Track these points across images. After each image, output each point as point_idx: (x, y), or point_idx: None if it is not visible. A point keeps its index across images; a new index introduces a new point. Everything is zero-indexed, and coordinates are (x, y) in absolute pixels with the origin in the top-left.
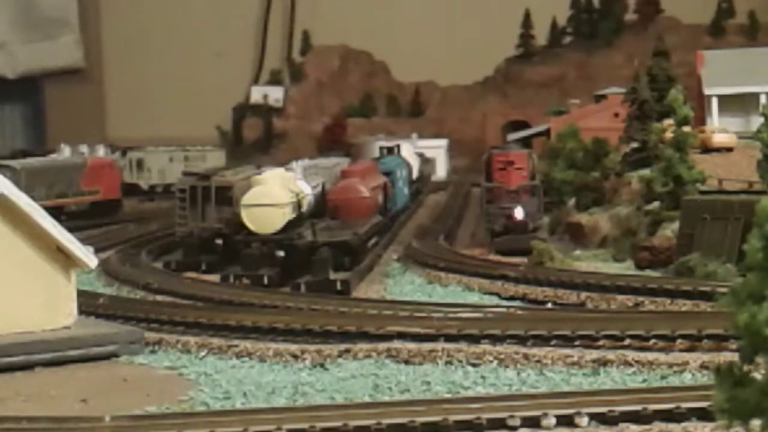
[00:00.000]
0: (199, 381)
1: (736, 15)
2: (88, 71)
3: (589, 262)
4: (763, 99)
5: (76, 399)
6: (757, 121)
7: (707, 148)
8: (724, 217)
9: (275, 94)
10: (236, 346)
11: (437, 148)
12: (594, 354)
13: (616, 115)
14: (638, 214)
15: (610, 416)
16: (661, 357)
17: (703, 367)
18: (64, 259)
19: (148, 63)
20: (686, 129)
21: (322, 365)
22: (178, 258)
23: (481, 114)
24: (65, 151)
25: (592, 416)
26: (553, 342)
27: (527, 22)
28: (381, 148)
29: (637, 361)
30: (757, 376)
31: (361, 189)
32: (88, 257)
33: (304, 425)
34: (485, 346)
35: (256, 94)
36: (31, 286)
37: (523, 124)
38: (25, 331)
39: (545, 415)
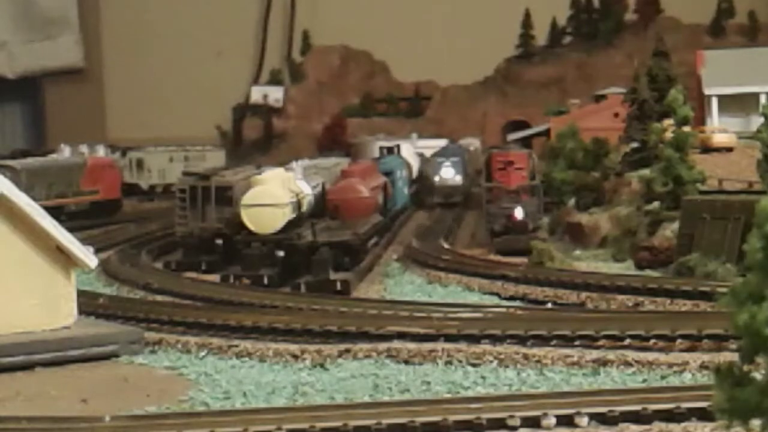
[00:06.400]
0: (199, 381)
1: (736, 15)
2: (88, 71)
3: (589, 262)
4: (763, 99)
5: (76, 399)
6: (757, 121)
7: (707, 148)
8: (724, 217)
9: (275, 94)
10: (236, 346)
11: (437, 148)
12: (594, 354)
13: (616, 115)
14: (638, 214)
15: (610, 416)
16: (661, 357)
17: (703, 367)
18: (64, 259)
19: (148, 63)
20: (686, 129)
21: (322, 365)
22: (178, 258)
23: (481, 114)
24: (65, 151)
25: (592, 416)
26: (553, 342)
27: (527, 22)
28: (381, 148)
29: (637, 361)
30: (757, 376)
31: (361, 189)
32: (88, 257)
33: (304, 425)
34: (485, 346)
35: (256, 94)
36: (31, 286)
37: (523, 124)
38: (25, 331)
39: (545, 415)
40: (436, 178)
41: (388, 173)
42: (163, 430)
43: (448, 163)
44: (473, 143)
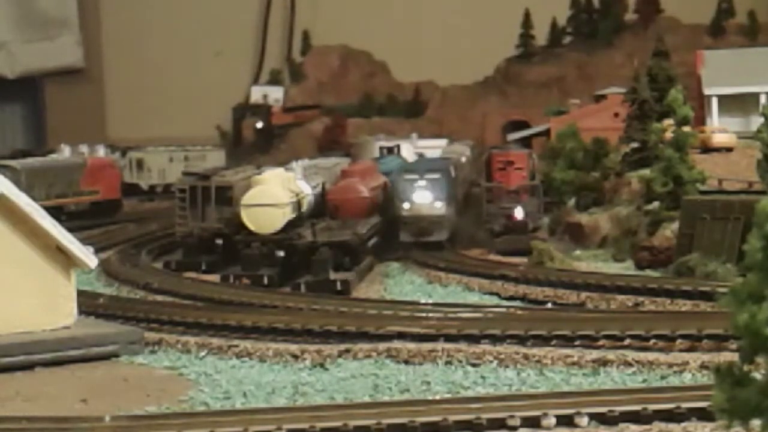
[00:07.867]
0: (199, 381)
1: (736, 15)
2: (88, 71)
3: (589, 262)
4: (763, 99)
5: (76, 399)
6: (757, 121)
7: (707, 148)
8: (724, 217)
9: (275, 94)
10: (236, 346)
11: (437, 148)
12: (594, 354)
13: (616, 115)
14: (638, 214)
15: (610, 416)
16: (661, 357)
17: (703, 367)
18: (64, 259)
19: (148, 63)
20: (686, 129)
21: (322, 365)
22: (178, 258)
23: (481, 114)
24: (65, 151)
25: (592, 416)
26: (553, 342)
27: (527, 22)
28: (381, 148)
29: (637, 361)
30: (757, 376)
31: (361, 189)
32: (88, 257)
33: (304, 425)
34: (485, 346)
35: (256, 94)
36: (31, 286)
37: (523, 124)
38: (25, 331)
39: (545, 415)
40: (405, 206)
41: (388, 173)
42: (163, 430)
43: (422, 182)
44: (464, 152)
